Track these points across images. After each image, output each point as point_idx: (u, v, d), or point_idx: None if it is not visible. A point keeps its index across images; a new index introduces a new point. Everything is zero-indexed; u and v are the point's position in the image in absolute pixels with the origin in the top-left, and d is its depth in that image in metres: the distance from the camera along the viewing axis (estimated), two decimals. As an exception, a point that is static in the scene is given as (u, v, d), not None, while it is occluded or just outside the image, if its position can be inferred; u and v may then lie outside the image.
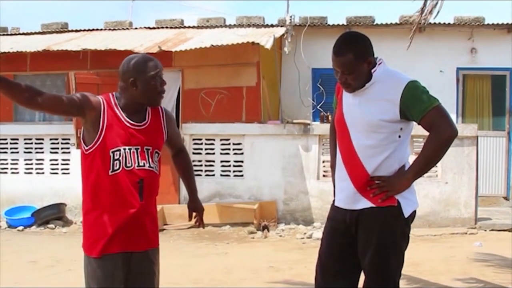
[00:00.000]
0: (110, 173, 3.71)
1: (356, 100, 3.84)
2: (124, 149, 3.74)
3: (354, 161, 3.82)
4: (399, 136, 3.77)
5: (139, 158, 3.79)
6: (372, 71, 3.78)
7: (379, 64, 3.82)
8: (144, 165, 3.80)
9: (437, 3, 7.07)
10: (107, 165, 3.70)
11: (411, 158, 3.84)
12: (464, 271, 7.94)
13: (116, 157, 3.71)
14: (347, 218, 3.86)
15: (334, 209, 4.02)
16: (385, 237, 3.75)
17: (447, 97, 13.78)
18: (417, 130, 3.84)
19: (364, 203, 3.80)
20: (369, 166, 3.76)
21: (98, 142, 3.71)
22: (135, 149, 3.77)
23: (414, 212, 3.86)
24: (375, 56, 3.85)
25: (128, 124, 3.78)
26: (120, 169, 3.72)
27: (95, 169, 3.73)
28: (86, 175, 3.79)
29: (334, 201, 4.05)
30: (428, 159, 3.78)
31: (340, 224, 3.92)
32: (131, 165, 3.75)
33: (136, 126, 3.81)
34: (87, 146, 3.75)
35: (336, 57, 3.78)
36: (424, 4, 7.26)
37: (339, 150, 3.97)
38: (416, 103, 3.68)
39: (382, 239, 3.75)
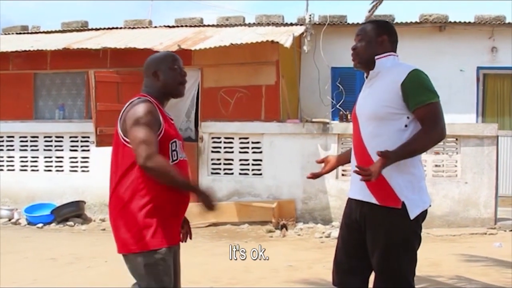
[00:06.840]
0: (171, 163, 3.73)
1: (366, 92, 3.95)
2: (178, 140, 3.82)
3: (362, 150, 3.86)
4: (406, 126, 3.74)
5: (182, 149, 3.87)
6: (377, 57, 3.86)
7: (388, 55, 3.89)
8: (185, 157, 3.90)
9: None
10: (166, 156, 3.70)
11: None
12: (483, 271, 7.89)
13: (173, 148, 3.76)
14: (357, 215, 3.89)
15: (347, 205, 4.07)
16: (393, 236, 3.75)
17: (467, 96, 13.75)
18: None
19: (369, 197, 3.80)
20: (375, 155, 3.69)
21: (161, 135, 3.69)
22: (179, 141, 3.85)
23: (425, 211, 3.83)
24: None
25: (169, 119, 3.88)
26: (178, 159, 3.78)
27: None
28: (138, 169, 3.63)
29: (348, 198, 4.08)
30: (412, 151, 3.71)
31: (353, 221, 3.96)
32: (182, 156, 3.83)
33: (172, 120, 3.93)
34: None
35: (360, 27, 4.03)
36: None
37: (352, 141, 4.04)
38: (416, 92, 3.69)
39: (389, 239, 3.75)
